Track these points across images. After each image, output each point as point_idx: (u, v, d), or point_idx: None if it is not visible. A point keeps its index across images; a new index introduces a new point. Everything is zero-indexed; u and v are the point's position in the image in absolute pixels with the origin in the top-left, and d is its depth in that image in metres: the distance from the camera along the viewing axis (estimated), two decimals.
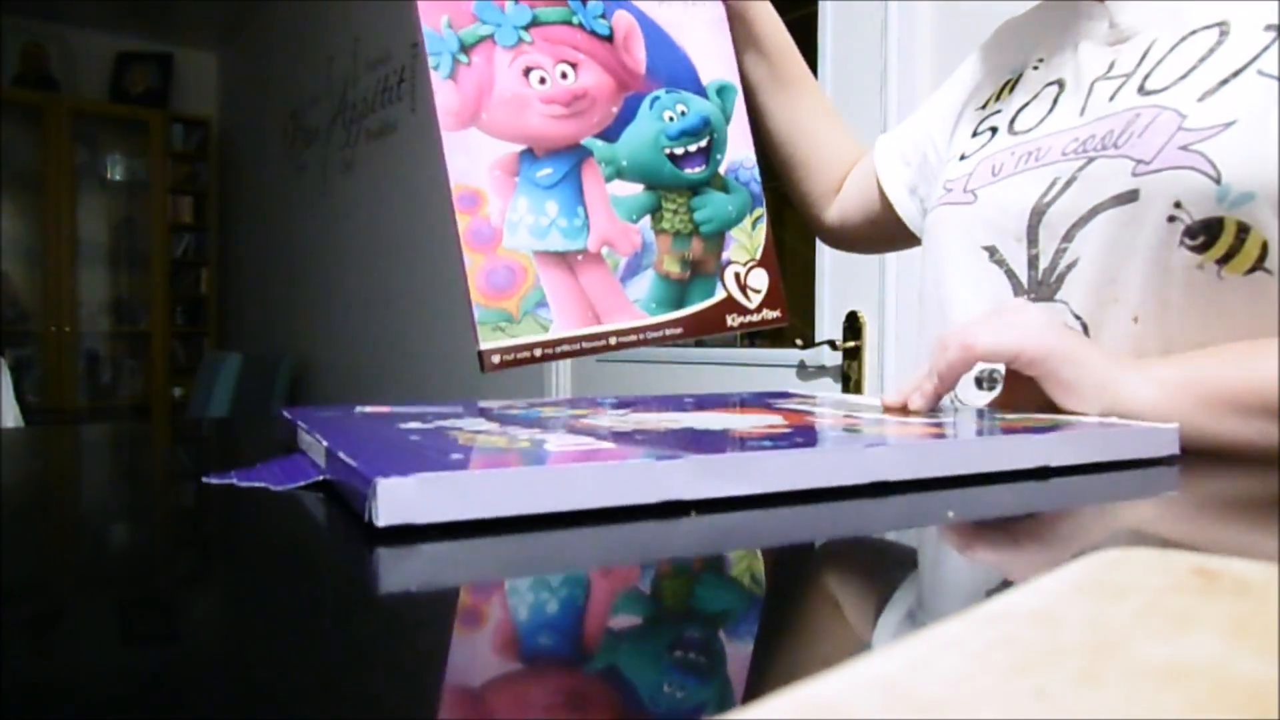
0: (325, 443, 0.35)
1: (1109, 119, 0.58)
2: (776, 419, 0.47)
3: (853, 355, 1.62)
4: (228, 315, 5.33)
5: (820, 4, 1.77)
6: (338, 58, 3.90)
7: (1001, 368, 0.60)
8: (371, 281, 3.62)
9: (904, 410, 0.52)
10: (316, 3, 4.06)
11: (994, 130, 0.70)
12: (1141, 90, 0.57)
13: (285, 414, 0.48)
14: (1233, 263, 0.51)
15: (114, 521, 0.35)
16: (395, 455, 0.32)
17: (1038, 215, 0.60)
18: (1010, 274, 0.62)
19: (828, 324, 1.67)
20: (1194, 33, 0.57)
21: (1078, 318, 0.57)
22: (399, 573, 0.25)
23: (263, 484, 0.35)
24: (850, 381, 1.63)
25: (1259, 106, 0.51)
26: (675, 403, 0.58)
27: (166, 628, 0.21)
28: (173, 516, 0.35)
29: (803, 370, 1.77)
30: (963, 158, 0.71)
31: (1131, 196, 0.54)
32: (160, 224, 5.10)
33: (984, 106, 0.73)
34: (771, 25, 0.80)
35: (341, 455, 0.32)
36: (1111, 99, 0.59)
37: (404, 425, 0.42)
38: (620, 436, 0.39)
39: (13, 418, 2.19)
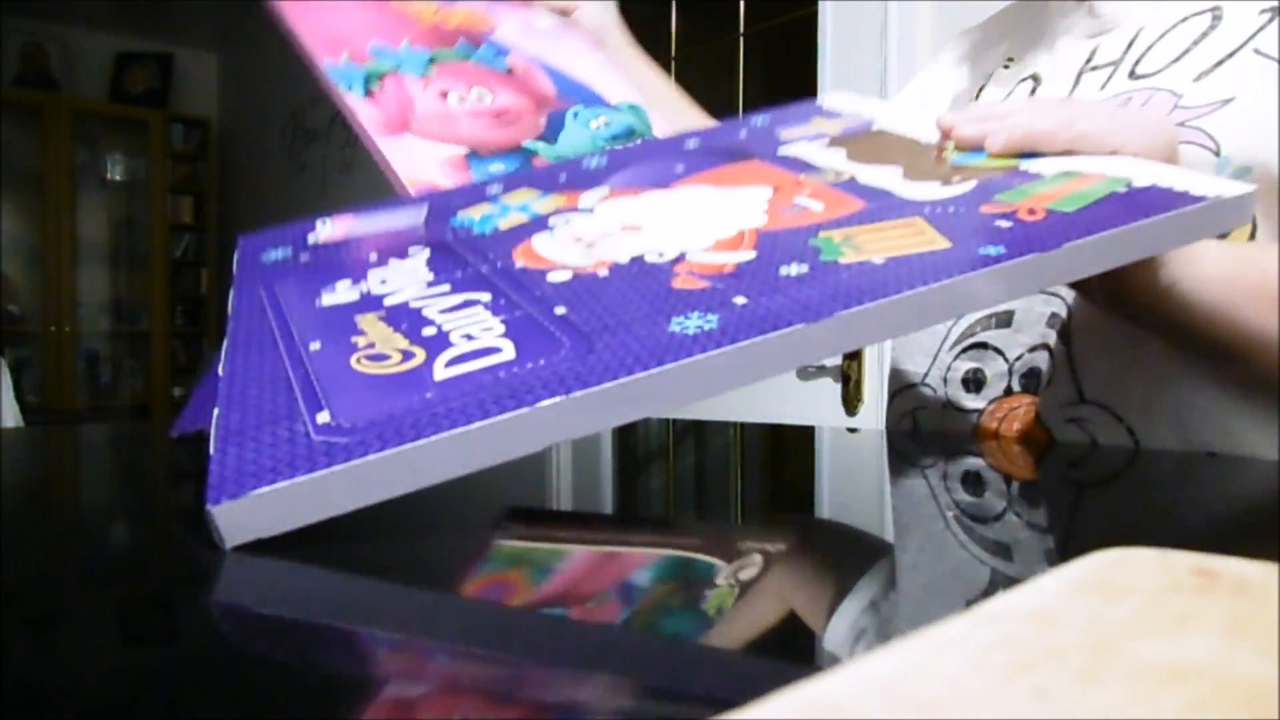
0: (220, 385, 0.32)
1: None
2: (757, 213, 0.40)
3: (852, 355, 1.62)
4: (227, 315, 5.32)
5: (820, 4, 1.77)
6: None
7: (988, 370, 0.59)
8: None
9: (941, 145, 0.45)
10: None
11: None
12: (1133, 75, 0.57)
13: (240, 240, 0.44)
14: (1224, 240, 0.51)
15: (114, 521, 0.35)
16: (249, 441, 0.28)
17: None
18: None
19: None
20: (1185, 19, 0.57)
21: (1060, 297, 0.57)
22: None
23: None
24: (850, 381, 1.63)
25: (1257, 84, 0.51)
26: (676, 152, 0.52)
27: (167, 627, 0.21)
28: (172, 516, 0.35)
29: (803, 370, 1.77)
30: None
31: None
32: (160, 224, 5.10)
33: None
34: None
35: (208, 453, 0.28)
36: (1102, 88, 0.59)
37: (325, 301, 0.38)
38: (532, 319, 0.33)
39: (13, 418, 2.19)
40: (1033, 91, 0.65)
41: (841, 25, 1.72)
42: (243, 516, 0.25)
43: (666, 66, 2.47)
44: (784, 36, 2.12)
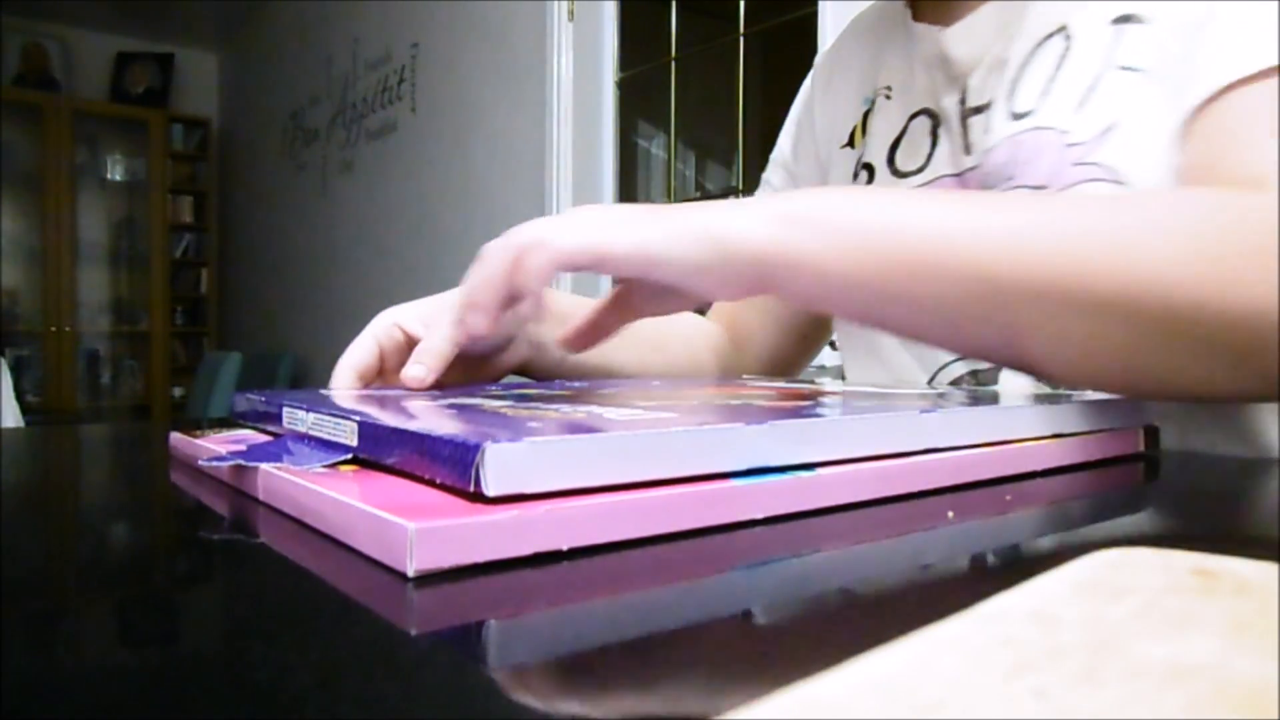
0: (357, 418, 0.32)
1: (994, 151, 0.56)
2: (770, 394, 0.46)
3: None
4: (228, 315, 5.33)
5: (820, 4, 1.77)
6: (338, 58, 3.90)
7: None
8: (371, 280, 3.62)
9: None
10: (316, 3, 4.06)
11: (870, 168, 0.67)
12: (1012, 115, 0.55)
13: (249, 395, 0.45)
14: None
15: (114, 521, 0.35)
16: (459, 424, 0.30)
17: None
18: None
19: None
20: (1039, 44, 0.55)
21: None
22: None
23: (277, 465, 0.32)
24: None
25: (1132, 102, 0.50)
26: (644, 384, 0.56)
27: (167, 627, 0.21)
28: (172, 516, 0.35)
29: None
30: None
31: None
32: (160, 224, 5.11)
33: (850, 143, 0.71)
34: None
35: (400, 426, 0.29)
36: (987, 131, 0.57)
37: (412, 402, 0.39)
38: (669, 408, 0.36)
39: (13, 418, 2.19)
40: (933, 130, 0.62)
41: (841, 25, 1.72)
42: (512, 462, 0.25)
43: (666, 67, 2.47)
44: (784, 36, 2.12)
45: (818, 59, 0.80)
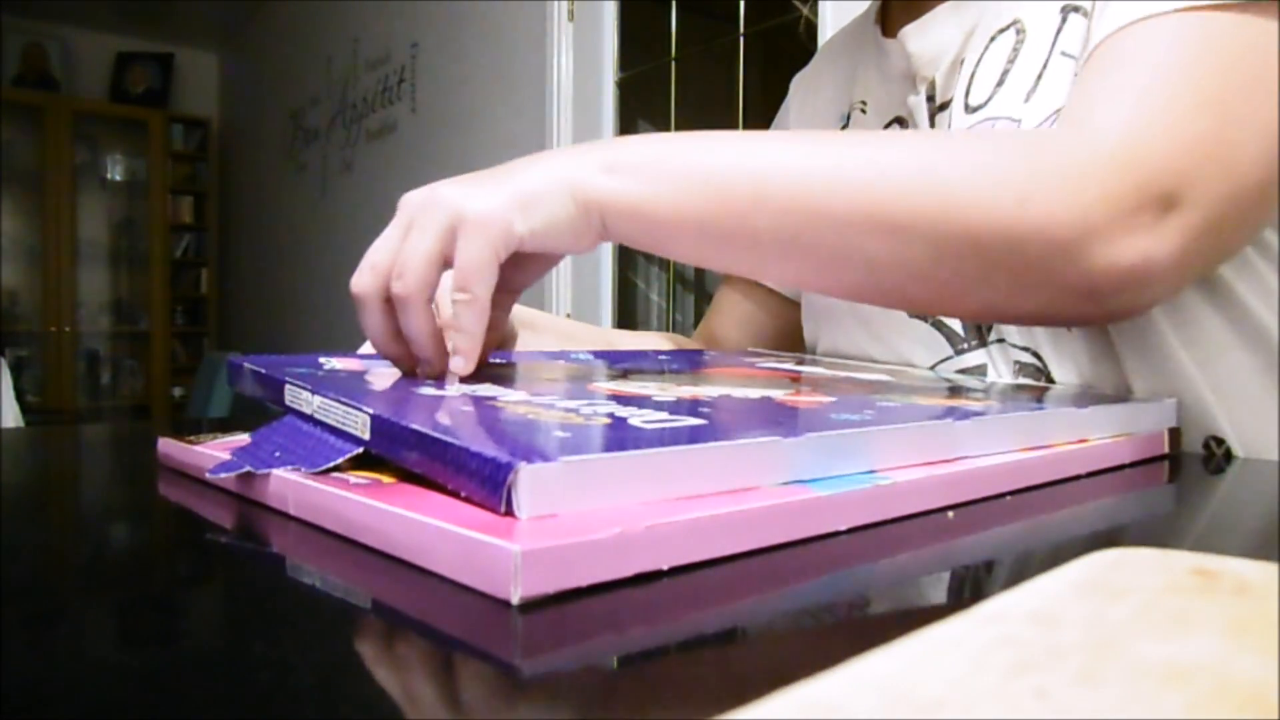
0: (370, 410, 0.30)
1: None
2: (784, 381, 0.46)
3: None
4: (228, 315, 5.33)
5: (820, 4, 1.77)
6: (338, 58, 3.90)
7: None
8: None
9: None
10: (316, 3, 4.05)
11: None
12: (968, 109, 0.57)
13: (245, 363, 0.42)
14: None
15: (114, 521, 0.35)
16: (483, 431, 0.28)
17: None
18: (939, 325, 0.59)
19: None
20: (993, 39, 0.57)
21: (1031, 351, 0.55)
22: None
23: (291, 468, 0.30)
24: None
25: (1069, 86, 0.51)
26: (650, 359, 0.56)
27: (167, 627, 0.21)
28: (172, 516, 0.35)
29: None
30: None
31: None
32: (160, 224, 5.10)
33: None
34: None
35: (419, 429, 0.27)
36: (949, 126, 0.59)
37: (425, 389, 0.38)
38: (696, 407, 0.34)
39: (13, 418, 2.19)
40: None
41: (841, 25, 1.72)
42: (547, 484, 0.23)
43: (666, 67, 2.47)
44: (784, 36, 2.11)
45: (793, 81, 0.81)
